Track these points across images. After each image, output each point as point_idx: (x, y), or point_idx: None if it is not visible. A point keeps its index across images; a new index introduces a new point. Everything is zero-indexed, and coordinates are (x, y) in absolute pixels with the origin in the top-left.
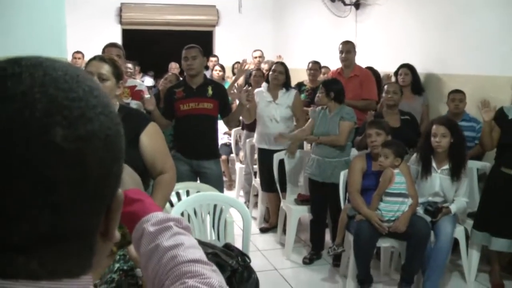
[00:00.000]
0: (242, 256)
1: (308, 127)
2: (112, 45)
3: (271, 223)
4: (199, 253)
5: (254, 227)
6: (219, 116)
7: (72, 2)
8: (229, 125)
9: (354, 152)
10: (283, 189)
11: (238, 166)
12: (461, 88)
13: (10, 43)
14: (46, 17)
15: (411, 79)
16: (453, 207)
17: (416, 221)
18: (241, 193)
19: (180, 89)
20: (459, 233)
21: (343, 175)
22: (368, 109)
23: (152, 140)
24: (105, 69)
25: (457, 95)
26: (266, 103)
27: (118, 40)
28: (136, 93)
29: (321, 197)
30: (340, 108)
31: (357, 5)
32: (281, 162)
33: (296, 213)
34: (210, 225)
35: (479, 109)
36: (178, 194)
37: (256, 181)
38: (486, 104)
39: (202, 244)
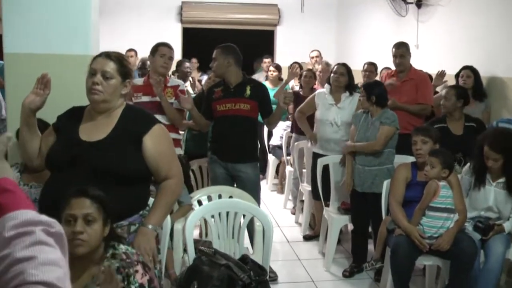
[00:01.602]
0: (258, 270)
1: (352, 133)
2: (164, 44)
3: (315, 231)
4: (57, 273)
5: (298, 235)
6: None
7: (133, 1)
8: (269, 127)
9: (400, 159)
10: (327, 197)
11: (288, 169)
12: None
13: (32, 41)
14: (69, 13)
15: (473, 83)
16: (507, 225)
17: (462, 239)
18: (290, 197)
19: (219, 88)
20: None
21: (386, 184)
22: (422, 114)
23: (157, 143)
24: (110, 66)
25: None
26: (327, 106)
27: (179, 39)
28: (180, 93)
29: (362, 207)
30: (382, 113)
31: (419, 5)
32: (327, 168)
33: (337, 222)
34: (239, 233)
35: None
36: (209, 198)
37: (303, 186)
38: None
39: (218, 254)
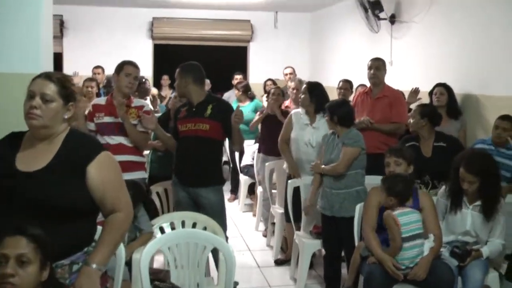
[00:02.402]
0: None
1: (321, 154)
2: (130, 63)
3: (287, 255)
4: None
5: (270, 259)
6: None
7: (103, 17)
8: (235, 148)
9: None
10: (299, 219)
11: (259, 190)
12: (502, 111)
13: None
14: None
15: (447, 100)
16: (485, 250)
17: (438, 267)
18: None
19: (185, 108)
20: (493, 280)
21: (358, 208)
22: (396, 134)
23: (102, 172)
24: (50, 88)
25: (502, 123)
26: (302, 126)
27: (150, 55)
28: (144, 114)
29: (333, 231)
30: (346, 133)
31: (392, 21)
32: (299, 189)
33: (309, 247)
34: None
35: None
36: (172, 225)
37: (274, 208)
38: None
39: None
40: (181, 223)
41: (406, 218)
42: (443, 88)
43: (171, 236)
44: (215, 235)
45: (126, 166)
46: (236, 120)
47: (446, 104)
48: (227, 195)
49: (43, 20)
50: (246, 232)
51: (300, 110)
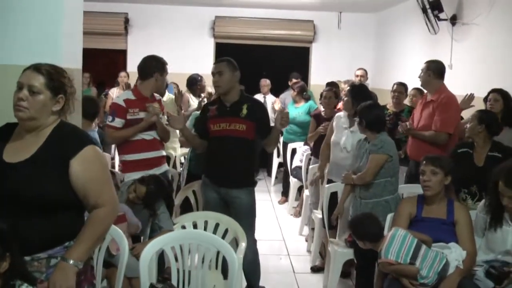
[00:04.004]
0: None
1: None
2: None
3: (324, 262)
4: None
5: (307, 265)
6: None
7: (166, 15)
8: (268, 149)
9: (413, 189)
10: (334, 227)
11: (305, 193)
12: None
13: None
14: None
15: (501, 107)
16: None
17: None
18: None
19: (214, 106)
20: None
21: (389, 218)
22: (435, 143)
23: (86, 167)
24: (38, 80)
25: None
26: (341, 130)
27: (211, 53)
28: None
29: None
30: (374, 139)
31: (453, 22)
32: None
33: (340, 256)
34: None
35: None
36: (195, 225)
37: (315, 213)
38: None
39: None
40: (203, 223)
41: (395, 247)
42: (497, 94)
43: (174, 237)
44: (219, 238)
45: (161, 161)
46: (283, 123)
47: (500, 110)
48: (278, 197)
49: (62, 14)
50: (289, 236)
51: (342, 113)
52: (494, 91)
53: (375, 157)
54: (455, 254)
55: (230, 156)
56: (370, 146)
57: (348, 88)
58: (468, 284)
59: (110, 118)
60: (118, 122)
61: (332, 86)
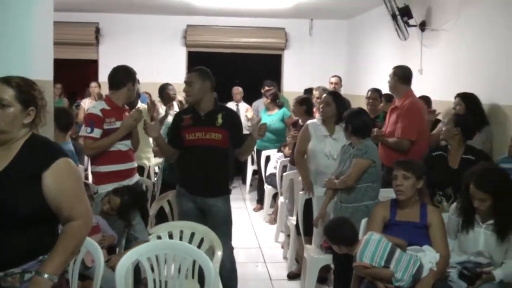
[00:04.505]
0: None
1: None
2: None
3: (300, 269)
4: None
5: (284, 272)
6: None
7: (138, 24)
8: (240, 158)
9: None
10: (309, 233)
11: (280, 200)
12: None
13: None
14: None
15: (464, 111)
16: (498, 273)
17: None
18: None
19: (188, 116)
20: None
21: (363, 223)
22: (398, 150)
23: (58, 180)
24: (8, 93)
25: None
26: (320, 138)
27: (183, 62)
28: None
29: None
30: (359, 144)
31: (422, 28)
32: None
33: (317, 262)
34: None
35: None
36: (171, 234)
37: (290, 220)
38: None
39: None
40: (179, 233)
41: (370, 250)
42: (460, 98)
43: (149, 247)
44: (194, 248)
45: (134, 171)
46: (261, 133)
47: (456, 113)
48: (253, 205)
49: (33, 26)
50: (265, 243)
51: (316, 120)
52: (458, 95)
53: (359, 161)
54: (429, 257)
55: (206, 165)
56: (355, 150)
57: (329, 96)
58: (442, 286)
59: (88, 129)
60: (97, 132)
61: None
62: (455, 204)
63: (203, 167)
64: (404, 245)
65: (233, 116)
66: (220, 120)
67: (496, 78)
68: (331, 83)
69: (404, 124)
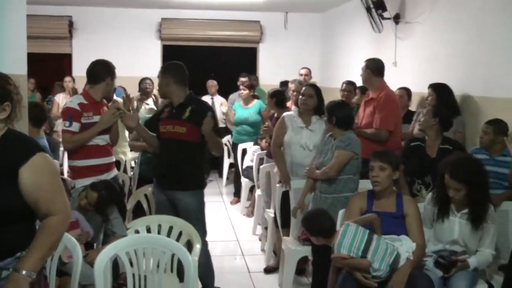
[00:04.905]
0: None
1: (316, 159)
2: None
3: (278, 262)
4: None
5: (262, 264)
6: None
7: (112, 17)
8: (212, 152)
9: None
10: (287, 225)
11: (257, 193)
12: (501, 114)
13: None
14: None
15: (435, 101)
16: (472, 261)
17: (418, 278)
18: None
19: (168, 108)
20: None
21: (341, 214)
22: (376, 141)
23: (35, 175)
24: None
25: (484, 127)
26: (297, 130)
27: (158, 56)
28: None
29: None
30: (342, 136)
31: (396, 21)
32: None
33: (295, 254)
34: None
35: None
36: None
37: (267, 212)
38: None
39: None
40: (157, 227)
41: (347, 241)
42: (432, 89)
43: (128, 242)
44: (174, 241)
45: (112, 166)
46: (204, 129)
47: (434, 105)
48: (230, 198)
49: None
50: (243, 236)
51: (292, 112)
52: (430, 86)
53: (342, 153)
54: (405, 246)
55: (172, 158)
56: (337, 142)
57: (311, 88)
58: (418, 274)
59: (67, 123)
60: (75, 126)
61: (284, 85)
62: (430, 194)
63: (169, 160)
64: (375, 218)
65: (203, 110)
66: (187, 114)
67: (469, 70)
68: (301, 74)
69: (382, 115)
